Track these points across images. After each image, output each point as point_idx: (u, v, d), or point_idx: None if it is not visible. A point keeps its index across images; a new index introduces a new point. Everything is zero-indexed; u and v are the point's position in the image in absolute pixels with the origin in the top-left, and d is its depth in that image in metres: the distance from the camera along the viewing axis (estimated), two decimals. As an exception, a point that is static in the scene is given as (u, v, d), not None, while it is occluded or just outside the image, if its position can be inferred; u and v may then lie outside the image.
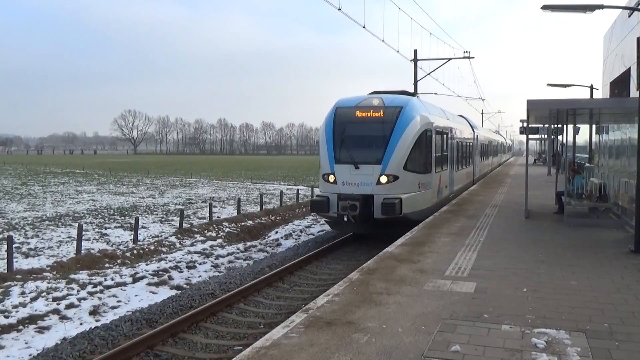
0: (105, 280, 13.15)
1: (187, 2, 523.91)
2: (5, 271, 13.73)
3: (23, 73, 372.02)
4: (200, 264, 15.88)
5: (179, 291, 12.89)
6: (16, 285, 12.26)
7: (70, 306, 11.35)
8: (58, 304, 11.30)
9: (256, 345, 6.05)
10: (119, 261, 15.75)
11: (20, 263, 15.32)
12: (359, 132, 16.82)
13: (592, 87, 29.60)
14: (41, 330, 10.23)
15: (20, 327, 10.22)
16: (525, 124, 28.82)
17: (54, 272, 13.99)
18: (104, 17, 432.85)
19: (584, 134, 24.45)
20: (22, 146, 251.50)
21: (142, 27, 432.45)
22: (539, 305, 7.43)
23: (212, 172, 69.17)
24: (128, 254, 16.46)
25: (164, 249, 17.55)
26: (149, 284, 13.40)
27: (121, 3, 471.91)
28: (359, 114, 16.96)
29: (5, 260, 14.16)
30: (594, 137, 21.47)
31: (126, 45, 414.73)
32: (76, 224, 19.15)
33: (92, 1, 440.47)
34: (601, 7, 12.65)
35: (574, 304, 7.50)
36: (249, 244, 19.37)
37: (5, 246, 14.47)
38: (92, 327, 10.11)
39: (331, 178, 16.53)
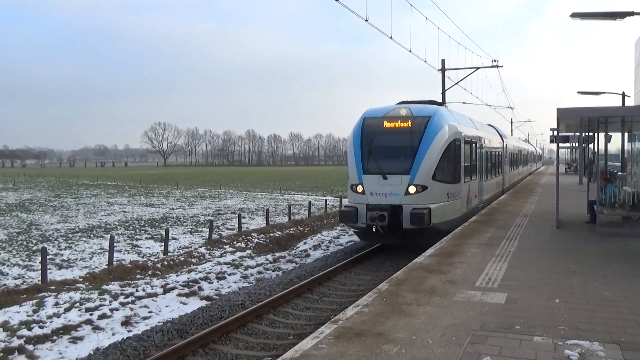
0: (137, 291, 13.31)
1: (215, 16, 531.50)
2: (40, 282, 14.02)
3: (55, 88, 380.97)
4: (229, 274, 15.97)
5: (209, 302, 12.98)
6: (50, 296, 12.49)
7: (102, 317, 11.52)
8: (91, 315, 11.48)
9: (286, 356, 6.07)
10: (149, 272, 15.94)
11: (54, 274, 15.60)
12: (387, 142, 16.80)
13: (623, 95, 29.18)
14: (74, 340, 10.39)
15: (54, 337, 10.40)
16: (555, 133, 28.48)
17: (87, 283, 14.22)
18: (135, 32, 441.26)
19: (616, 142, 24.07)
20: (55, 159, 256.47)
21: (171, 41, 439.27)
22: (571, 316, 7.33)
23: (240, 183, 69.57)
24: (159, 265, 16.65)
25: (193, 260, 17.71)
26: (180, 295, 13.52)
27: (151, 18, 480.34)
28: (386, 124, 16.96)
29: (40, 271, 14.44)
30: (627, 145, 21.13)
31: (156, 59, 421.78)
32: (108, 236, 19.45)
33: (122, 17, 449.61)
34: (632, 14, 12.52)
35: (607, 315, 7.38)
36: (277, 254, 19.43)
37: (40, 257, 14.75)
38: (124, 338, 10.25)
39: (359, 188, 16.52)
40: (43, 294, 12.77)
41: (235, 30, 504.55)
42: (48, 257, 15.71)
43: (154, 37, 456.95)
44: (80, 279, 14.65)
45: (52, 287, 13.48)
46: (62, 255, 18.99)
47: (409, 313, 7.54)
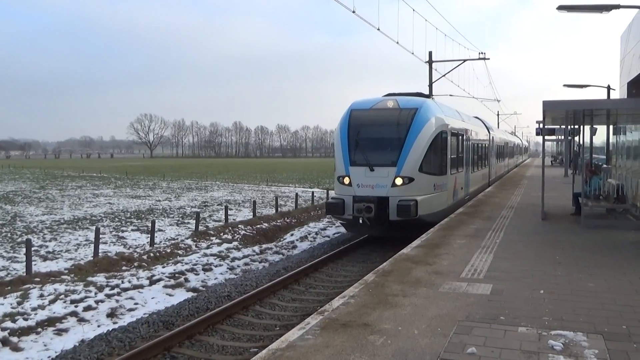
0: (123, 282, 13.25)
1: (203, 7, 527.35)
2: (25, 274, 13.91)
3: (41, 79, 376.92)
4: (216, 266, 15.94)
5: (195, 293, 12.96)
6: (35, 288, 12.40)
7: (88, 308, 11.46)
8: (76, 307, 11.41)
9: (272, 347, 6.07)
10: (135, 264, 15.86)
11: (39, 266, 15.49)
12: (374, 134, 16.80)
13: (609, 88, 29.35)
14: (59, 332, 10.33)
15: (39, 329, 10.33)
16: (541, 125, 28.63)
17: (72, 275, 14.13)
18: (120, 23, 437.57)
19: (601, 134, 24.25)
20: (39, 150, 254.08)
21: (157, 32, 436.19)
22: (556, 307, 7.39)
23: (227, 175, 69.36)
24: (145, 257, 16.57)
25: (180, 252, 17.64)
26: (166, 287, 13.48)
27: (138, 9, 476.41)
28: (374, 116, 16.96)
29: (25, 263, 14.32)
30: (612, 138, 21.30)
31: (142, 50, 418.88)
32: (93, 227, 19.32)
33: (109, 8, 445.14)
34: (617, 7, 12.56)
35: (591, 306, 7.45)
36: (264, 246, 19.41)
37: (25, 249, 14.64)
38: (110, 329, 10.20)
39: (346, 180, 16.52)
40: (27, 285, 12.67)
41: (221, 21, 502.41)
42: (33, 248, 15.59)
43: (140, 28, 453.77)
44: (66, 271, 14.55)
45: (37, 279, 13.37)
46: (47, 247, 18.86)
47: (395, 304, 7.57)
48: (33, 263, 14.60)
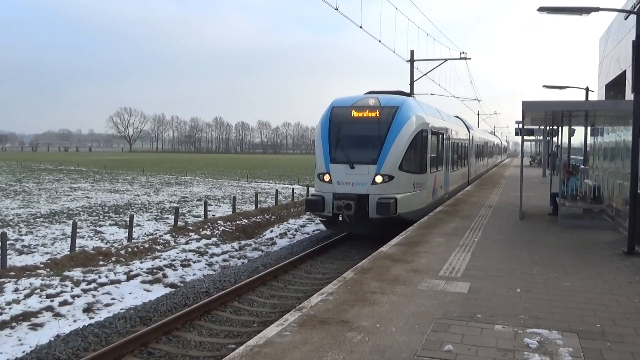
0: (100, 277, 13.12)
1: (184, 2, 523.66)
2: (-1, 268, 13.71)
3: (18, 69, 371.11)
4: (194, 262, 15.86)
5: (173, 289, 12.88)
6: (10, 282, 12.23)
7: (63, 303, 11.33)
8: (52, 301, 11.28)
9: (250, 343, 6.06)
10: (113, 259, 15.72)
11: (14, 260, 15.27)
12: (355, 131, 16.83)
13: (587, 89, 29.67)
14: (34, 327, 10.20)
15: (14, 323, 10.20)
16: (520, 125, 28.85)
17: (48, 269, 13.96)
18: (101, 15, 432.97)
19: (579, 135, 24.55)
20: (16, 143, 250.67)
21: (139, 25, 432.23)
22: (531, 305, 7.46)
23: (207, 171, 69.00)
24: (122, 252, 16.43)
25: (158, 247, 17.52)
26: (143, 282, 13.38)
27: (118, 2, 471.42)
28: (354, 113, 16.98)
29: (-1, 256, 14.13)
30: (589, 139, 21.56)
31: (123, 43, 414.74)
32: (70, 221, 19.11)
33: (88, 0, 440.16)
34: (597, 9, 12.65)
35: (566, 304, 7.54)
36: (243, 242, 19.35)
37: (-1, 243, 14.43)
38: (86, 325, 10.09)
39: (326, 177, 16.54)
40: (2, 279, 12.48)
41: (203, 16, 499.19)
42: (8, 242, 15.36)
43: (122, 20, 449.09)
44: (42, 265, 14.36)
45: (12, 273, 13.18)
46: (22, 240, 18.61)
47: (373, 301, 7.59)
48: (8, 257, 14.40)
